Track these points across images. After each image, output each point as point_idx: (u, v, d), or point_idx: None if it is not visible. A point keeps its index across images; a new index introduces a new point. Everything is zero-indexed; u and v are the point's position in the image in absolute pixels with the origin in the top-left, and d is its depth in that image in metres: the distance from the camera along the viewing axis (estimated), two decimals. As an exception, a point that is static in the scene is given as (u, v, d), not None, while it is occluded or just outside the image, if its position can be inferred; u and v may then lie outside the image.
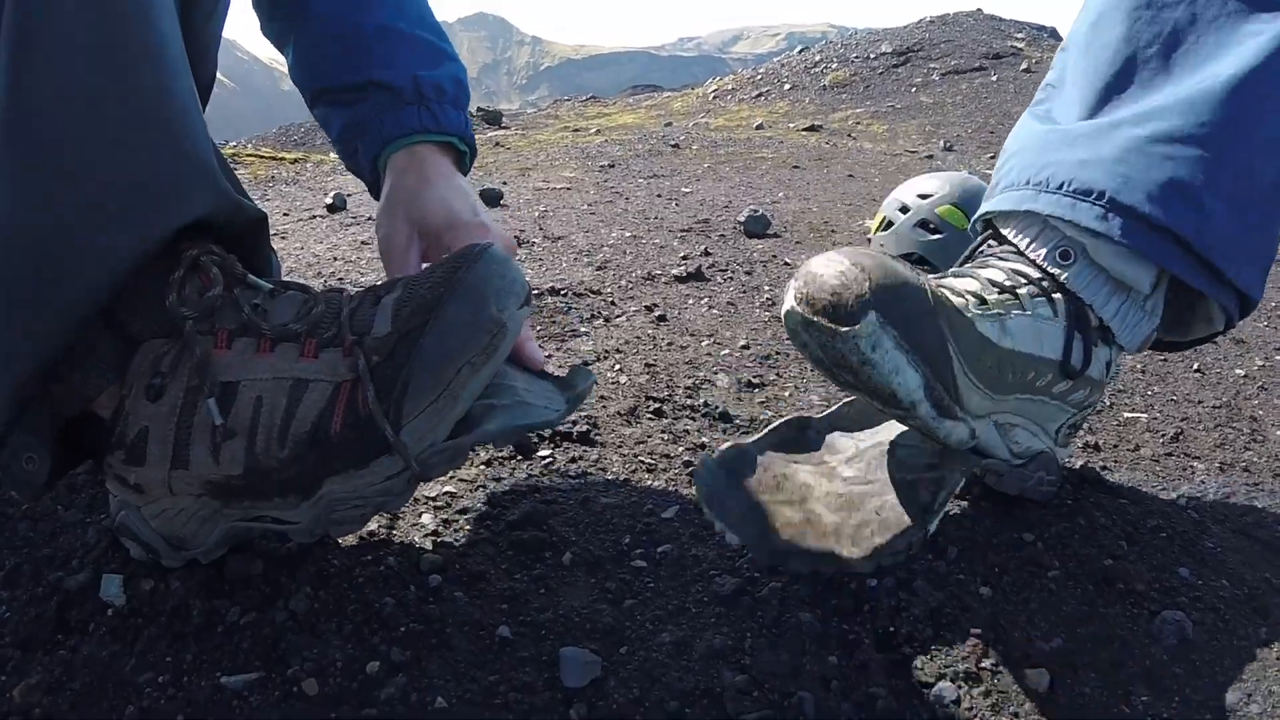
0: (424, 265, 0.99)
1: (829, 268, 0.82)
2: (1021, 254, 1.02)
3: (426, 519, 1.00)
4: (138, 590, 0.84)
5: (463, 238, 0.95)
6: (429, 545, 0.96)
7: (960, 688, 0.83)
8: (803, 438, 1.06)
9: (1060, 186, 0.98)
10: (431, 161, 1.03)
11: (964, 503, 1.15)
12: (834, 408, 1.10)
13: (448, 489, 1.06)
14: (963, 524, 1.10)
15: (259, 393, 0.76)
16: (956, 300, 0.90)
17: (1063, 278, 0.99)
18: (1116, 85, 1.02)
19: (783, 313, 0.87)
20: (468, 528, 1.00)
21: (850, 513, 0.95)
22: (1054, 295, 0.99)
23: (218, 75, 1.12)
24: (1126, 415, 1.53)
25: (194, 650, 0.79)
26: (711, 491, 0.94)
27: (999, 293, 0.96)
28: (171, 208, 0.75)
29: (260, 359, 0.77)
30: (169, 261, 0.77)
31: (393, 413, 0.74)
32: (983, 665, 0.87)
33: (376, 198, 1.06)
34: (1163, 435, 1.45)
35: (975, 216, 1.11)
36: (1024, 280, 0.99)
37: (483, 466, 1.13)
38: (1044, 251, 1.00)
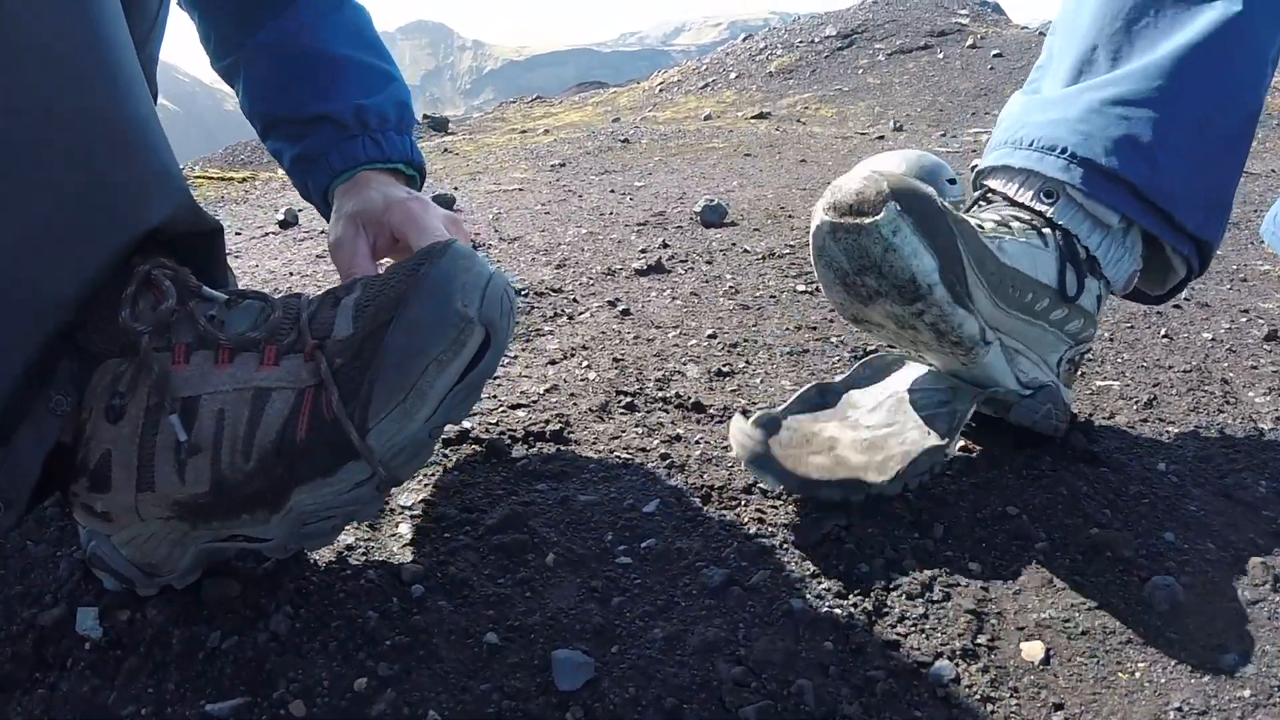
0: (378, 264, 0.99)
1: (851, 178, 0.92)
2: (1011, 200, 1.14)
3: (404, 529, 0.98)
4: (115, 621, 0.82)
5: (399, 211, 0.97)
6: (409, 555, 0.93)
7: (958, 665, 0.83)
8: (824, 400, 1.17)
9: (1032, 144, 1.11)
10: (373, 178, 1.05)
11: (947, 481, 1.14)
12: (849, 371, 1.20)
13: (423, 497, 1.04)
14: (946, 501, 1.09)
15: (221, 405, 0.73)
16: (961, 221, 0.98)
17: (1049, 213, 1.11)
18: (1089, 60, 1.14)
19: (810, 231, 0.97)
20: (447, 535, 0.97)
21: (875, 452, 1.06)
22: (1043, 230, 1.10)
23: (160, 100, 1.11)
24: (1099, 384, 1.53)
25: (176, 679, 0.76)
26: (750, 451, 1.03)
27: (995, 225, 1.07)
28: (134, 214, 0.73)
29: (220, 371, 0.74)
30: (121, 277, 0.75)
31: (358, 415, 0.72)
32: (978, 641, 0.86)
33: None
34: (1136, 402, 1.45)
35: (974, 171, 1.23)
36: (1015, 219, 1.10)
37: (457, 472, 1.10)
38: (1030, 194, 1.12)
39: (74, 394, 0.73)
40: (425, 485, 1.07)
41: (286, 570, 0.88)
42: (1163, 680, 0.84)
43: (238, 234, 2.80)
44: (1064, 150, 1.08)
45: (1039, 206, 1.11)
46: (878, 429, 1.10)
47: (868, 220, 0.89)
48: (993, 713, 0.79)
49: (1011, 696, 0.81)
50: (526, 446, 1.19)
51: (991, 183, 1.18)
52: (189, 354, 0.75)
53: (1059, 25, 1.23)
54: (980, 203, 1.19)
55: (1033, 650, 0.86)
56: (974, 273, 0.97)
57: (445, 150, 5.26)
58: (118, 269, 0.73)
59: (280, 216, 2.84)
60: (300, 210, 2.94)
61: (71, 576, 0.88)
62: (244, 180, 4.13)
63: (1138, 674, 0.84)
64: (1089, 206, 1.09)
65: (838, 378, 1.20)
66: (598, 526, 1.00)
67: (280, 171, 4.41)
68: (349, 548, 0.94)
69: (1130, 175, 1.06)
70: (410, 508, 1.02)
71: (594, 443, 1.20)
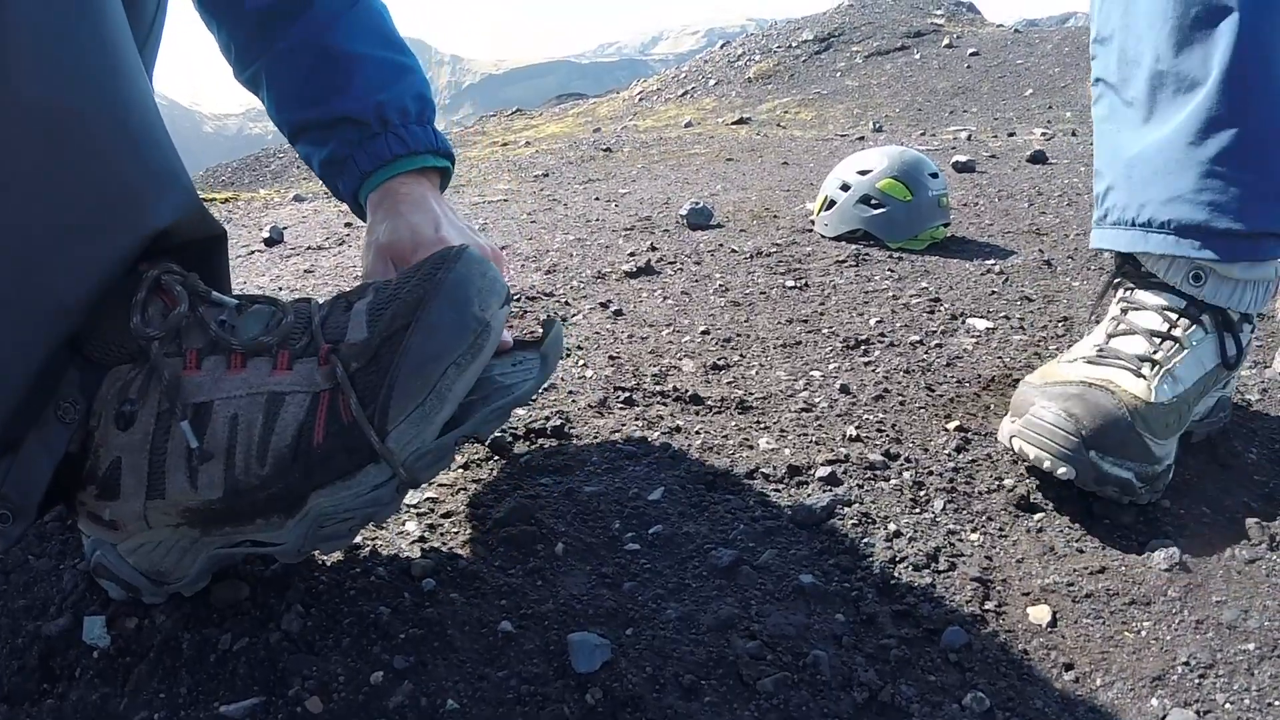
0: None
1: (1044, 416, 1.04)
2: (1163, 285, 1.15)
3: (411, 526, 0.98)
4: (122, 629, 0.81)
5: (425, 254, 0.95)
6: (418, 552, 0.94)
7: (968, 631, 0.84)
8: None
9: (1161, 226, 1.11)
10: (404, 192, 1.04)
11: (944, 459, 1.16)
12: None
13: (429, 495, 1.05)
14: (943, 477, 1.10)
15: (234, 411, 0.73)
16: (1137, 387, 1.05)
17: (1201, 296, 1.12)
18: (1159, 76, 1.11)
19: (1004, 444, 1.11)
20: (455, 530, 0.98)
21: None
22: (1202, 316, 1.13)
23: None
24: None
25: (188, 683, 0.76)
26: None
27: (1161, 341, 1.11)
28: (141, 216, 0.72)
29: (232, 376, 0.74)
30: (130, 283, 0.74)
31: (377, 419, 0.72)
32: (986, 607, 0.88)
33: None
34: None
35: (1093, 245, 1.23)
36: (1175, 314, 1.13)
37: (461, 470, 1.11)
38: (1179, 278, 1.13)
39: (82, 402, 0.73)
40: (430, 484, 1.08)
41: (295, 571, 0.88)
42: (1168, 637, 0.85)
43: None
44: (1197, 228, 1.08)
45: (1189, 290, 1.12)
46: None
47: (1062, 469, 1.02)
48: (1005, 674, 0.80)
49: (1022, 658, 0.82)
50: (528, 443, 1.19)
51: (1132, 268, 1.19)
52: (200, 359, 0.74)
53: (1106, 30, 1.19)
54: (1126, 284, 1.20)
55: (1039, 614, 0.87)
56: (1160, 445, 1.03)
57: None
58: (125, 273, 0.73)
59: (265, 234, 2.83)
60: (285, 228, 2.94)
61: (76, 587, 0.87)
62: (226, 201, 4.11)
63: (1143, 632, 0.86)
64: (1240, 275, 1.11)
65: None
66: (604, 516, 1.01)
67: (263, 191, 4.40)
68: (357, 547, 0.94)
69: (1269, 225, 1.07)
70: (416, 506, 1.02)
71: (595, 437, 1.21)
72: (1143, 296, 1.17)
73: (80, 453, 0.74)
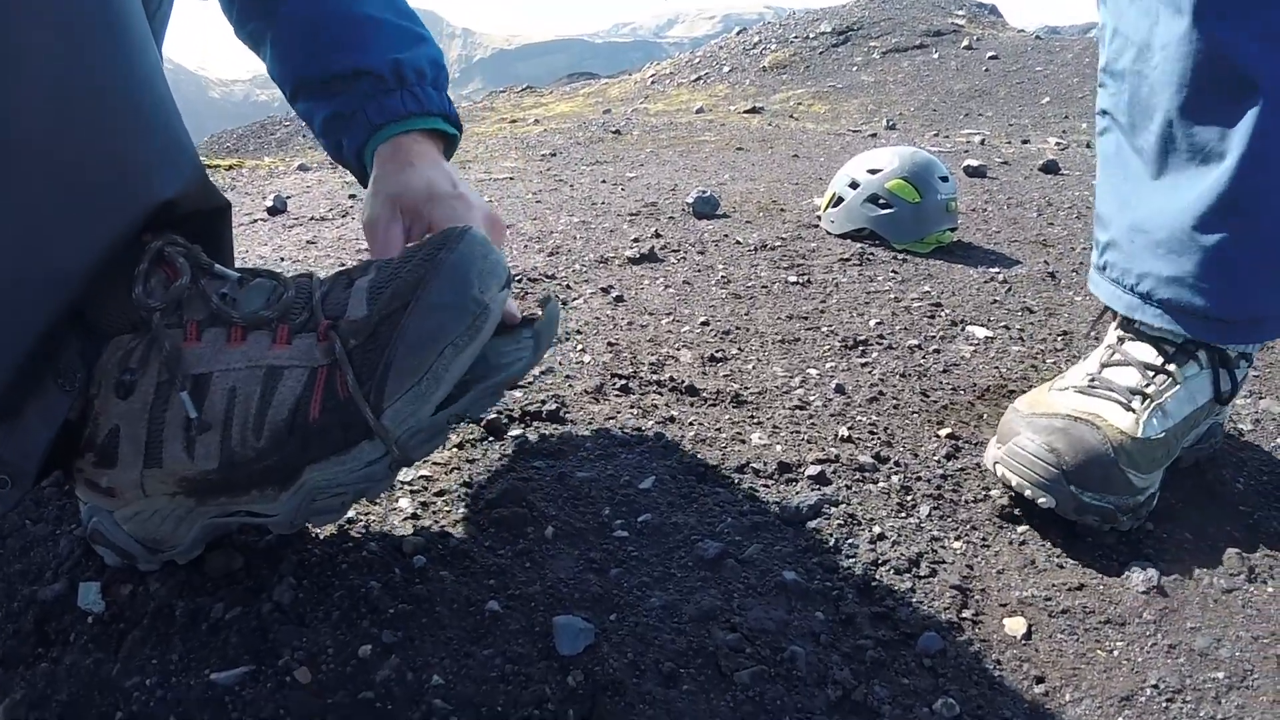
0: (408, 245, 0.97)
1: (1027, 447, 1.04)
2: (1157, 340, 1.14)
3: (404, 503, 1.00)
4: (117, 595, 0.82)
5: (442, 209, 0.95)
6: (409, 529, 0.95)
7: (944, 637, 0.85)
8: None
9: (1161, 304, 1.10)
10: (416, 149, 1.02)
11: (934, 465, 1.17)
12: None
13: (423, 473, 1.06)
14: (931, 483, 1.12)
15: (233, 383, 0.73)
16: (1125, 422, 1.05)
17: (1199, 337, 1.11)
18: (1170, 140, 1.07)
19: (988, 467, 1.11)
20: (447, 509, 1.00)
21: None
22: (1198, 353, 1.12)
23: None
24: (1081, 375, 1.56)
25: (180, 650, 0.77)
26: None
27: (1154, 375, 1.11)
28: (146, 186, 0.72)
29: (232, 349, 0.74)
30: (133, 253, 0.74)
31: (373, 396, 0.72)
32: (963, 615, 0.89)
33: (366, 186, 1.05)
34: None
35: (1091, 289, 1.23)
36: (1171, 349, 1.13)
37: (455, 450, 1.12)
38: (1173, 348, 1.13)
39: (83, 370, 0.73)
40: (424, 462, 1.09)
41: (288, 543, 0.89)
42: (1140, 659, 0.86)
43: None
44: (1197, 311, 1.08)
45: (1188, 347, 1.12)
46: None
47: (1042, 500, 1.02)
48: (976, 682, 0.81)
49: (995, 668, 0.83)
50: (523, 426, 1.21)
51: (1128, 330, 1.18)
52: (201, 331, 0.75)
53: (1118, 69, 1.14)
54: (1125, 334, 1.18)
55: (1015, 625, 0.89)
56: (1144, 477, 1.04)
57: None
58: (130, 244, 0.72)
59: (269, 203, 2.81)
60: (289, 197, 2.94)
61: (72, 553, 0.88)
62: (230, 168, 4.10)
63: (1115, 652, 0.87)
64: (1236, 350, 1.13)
65: None
66: (595, 502, 1.02)
67: (267, 159, 4.38)
68: (349, 522, 0.95)
69: (1271, 310, 1.08)
70: (410, 483, 1.04)
71: (590, 423, 1.23)
72: (1144, 328, 1.16)
73: (80, 420, 0.74)
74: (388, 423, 0.73)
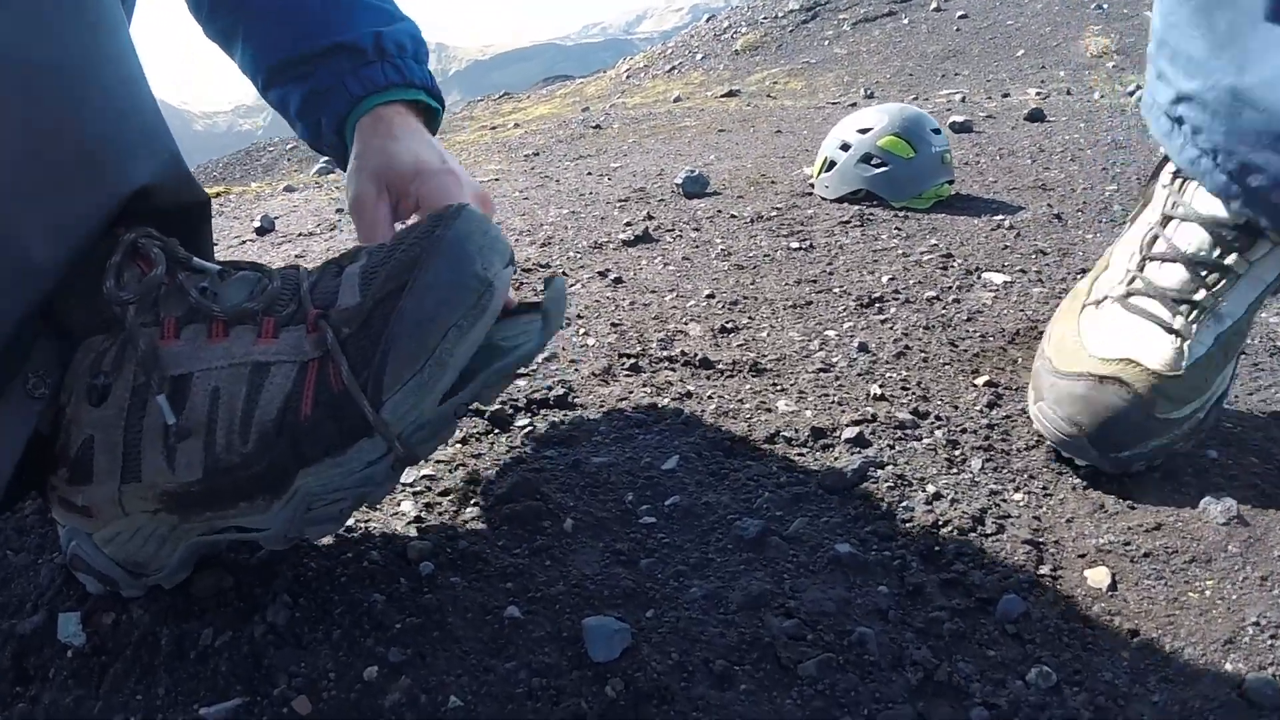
0: (396, 225, 0.92)
1: (1050, 417, 0.96)
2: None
3: (407, 506, 0.91)
4: (98, 625, 0.75)
5: (431, 185, 0.89)
6: (414, 533, 0.86)
7: (1025, 599, 0.76)
8: None
9: (1267, 207, 0.90)
10: (399, 120, 0.96)
11: (977, 415, 1.08)
12: None
13: (426, 472, 0.97)
14: (978, 434, 1.03)
15: (215, 383, 0.67)
16: (1162, 358, 0.93)
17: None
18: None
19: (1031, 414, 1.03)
20: (454, 509, 0.90)
21: None
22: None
23: None
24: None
25: (166, 683, 0.69)
26: None
27: (1206, 274, 0.96)
28: (120, 172, 0.67)
29: (213, 345, 0.68)
30: (105, 247, 0.68)
31: (371, 387, 0.66)
32: (1041, 572, 0.80)
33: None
34: (1154, 326, 1.41)
35: (1166, 152, 1.01)
36: (1231, 233, 0.95)
37: (459, 445, 1.03)
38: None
39: (54, 375, 0.67)
40: (426, 461, 0.99)
41: (282, 558, 0.81)
42: (1235, 596, 0.78)
43: (214, 246, 2.72)
44: None
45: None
46: None
47: (1081, 461, 0.95)
48: (1068, 644, 0.72)
49: (1085, 626, 0.74)
50: (530, 415, 1.11)
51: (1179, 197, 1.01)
52: (179, 328, 0.68)
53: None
54: (1177, 205, 1.00)
55: (1098, 576, 0.80)
56: (1193, 402, 0.94)
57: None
58: (102, 234, 0.67)
59: (256, 224, 2.77)
60: (276, 217, 2.87)
61: (53, 583, 0.80)
62: (217, 195, 4.05)
63: (1208, 592, 0.79)
64: None
65: None
66: (616, 488, 0.93)
67: (254, 184, 4.32)
68: (347, 530, 0.86)
69: None
70: (412, 484, 0.95)
71: (601, 406, 1.13)
72: (1199, 197, 0.97)
73: (52, 433, 0.68)
74: (388, 416, 0.66)
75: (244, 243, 2.60)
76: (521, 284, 1.75)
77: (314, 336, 0.67)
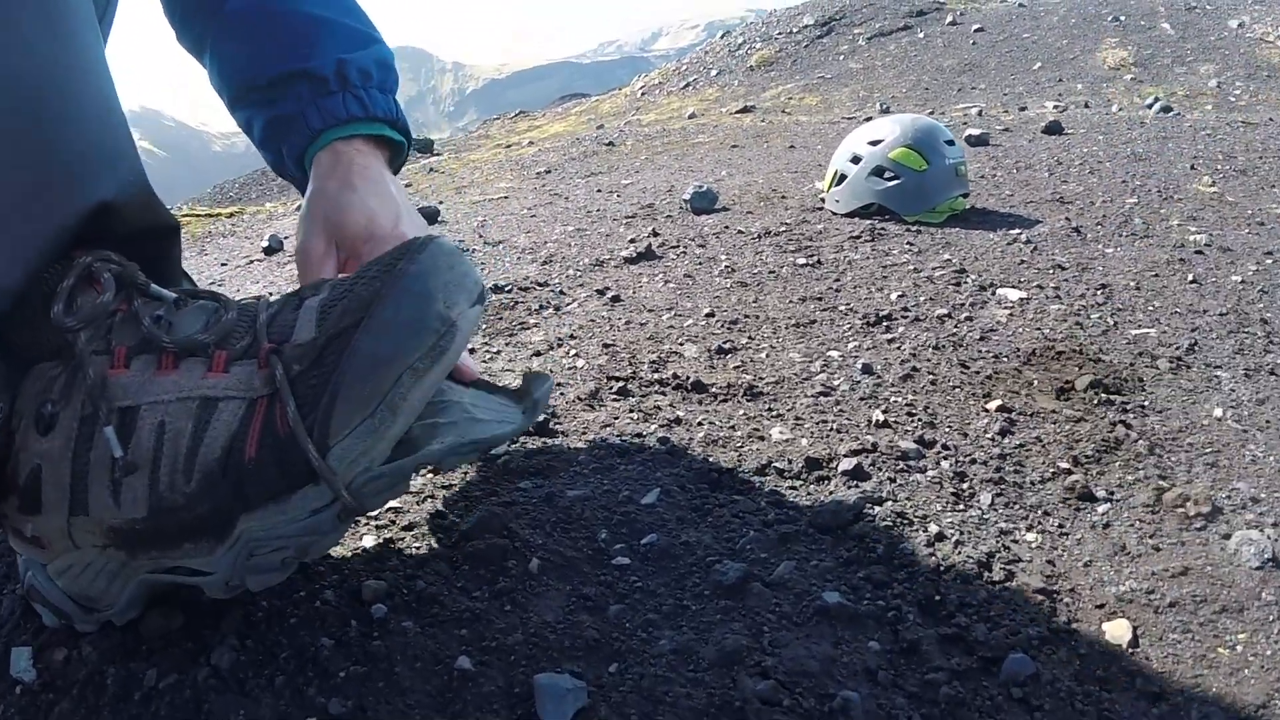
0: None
1: None
2: None
3: (368, 541, 0.84)
4: (50, 661, 0.71)
5: (382, 251, 0.83)
6: (372, 570, 0.80)
7: (1034, 657, 0.68)
8: None
9: None
10: (358, 162, 0.92)
11: (988, 443, 1.01)
12: None
13: (391, 504, 0.90)
14: (988, 465, 0.96)
15: (161, 417, 0.63)
16: None
17: None
18: None
19: None
20: (416, 546, 0.84)
21: None
22: None
23: (147, 145, 0.98)
24: (1134, 332, 1.41)
25: (109, 724, 0.64)
26: None
27: None
28: (79, 188, 0.64)
29: (162, 377, 0.64)
30: (60, 269, 0.66)
31: (318, 431, 0.61)
32: (1054, 625, 0.73)
33: None
34: (1177, 347, 1.34)
35: None
36: None
37: (429, 475, 0.97)
38: None
39: (5, 400, 0.66)
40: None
41: (236, 598, 0.75)
42: (1269, 652, 0.71)
43: (223, 265, 2.71)
44: None
45: None
46: None
47: None
48: (1082, 711, 0.65)
49: (1102, 688, 0.67)
50: (509, 442, 1.04)
51: None
52: (130, 358, 0.65)
53: None
54: None
55: (1118, 630, 0.73)
56: None
57: (431, 170, 5.18)
58: (60, 254, 0.65)
59: (264, 244, 2.75)
60: (285, 238, 2.85)
61: (13, 614, 0.76)
62: (230, 215, 4.07)
63: (1239, 647, 0.72)
64: None
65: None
66: (589, 524, 0.86)
67: (267, 204, 4.31)
68: (305, 565, 0.80)
69: None
70: (375, 518, 0.88)
71: (584, 433, 1.07)
72: None
73: (3, 459, 0.66)
74: (335, 463, 0.62)
75: (251, 262, 2.60)
76: (516, 304, 1.69)
77: (264, 373, 0.64)
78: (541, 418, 1.10)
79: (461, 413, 0.71)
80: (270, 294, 2.08)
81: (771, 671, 0.66)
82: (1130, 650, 0.71)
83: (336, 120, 0.93)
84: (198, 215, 4.24)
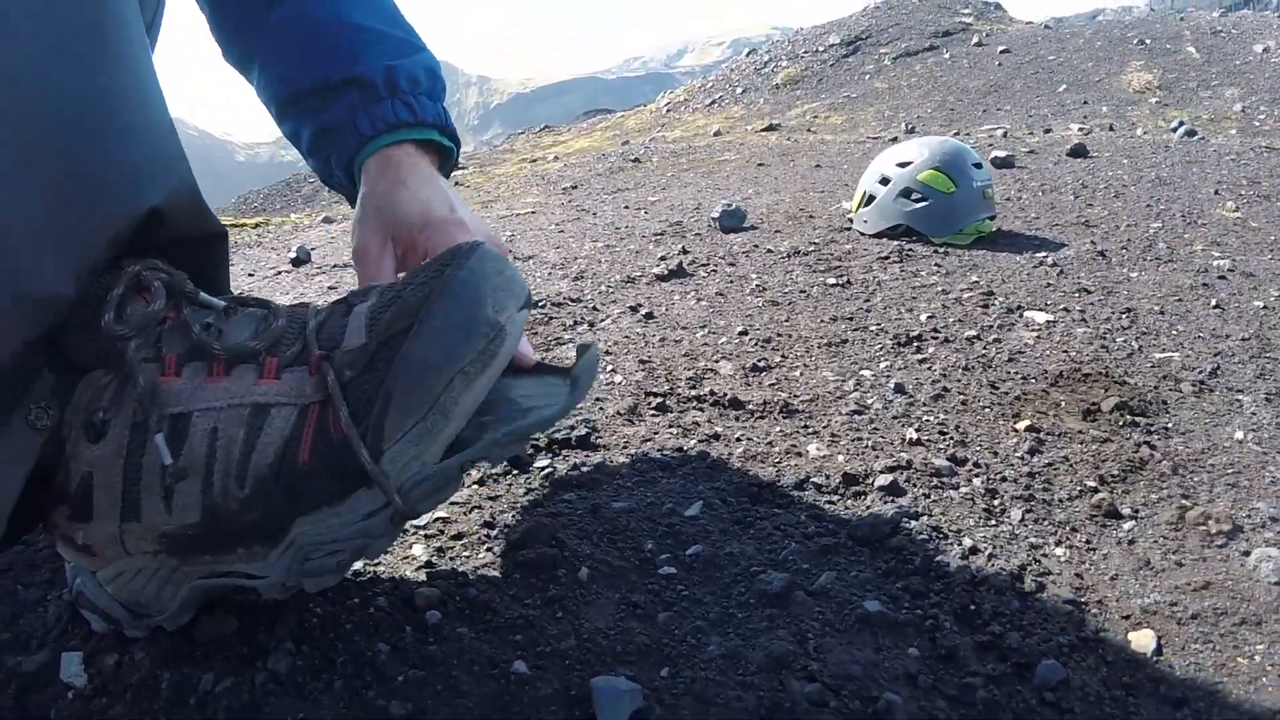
0: (400, 274, 0.88)
1: None
2: None
3: (418, 550, 0.88)
4: (101, 666, 0.72)
5: (439, 237, 0.85)
6: (423, 578, 0.83)
7: (1065, 664, 0.71)
8: None
9: None
10: (408, 163, 0.93)
11: (1017, 462, 1.03)
12: None
13: (439, 515, 0.94)
14: (1018, 483, 0.98)
15: (214, 424, 0.64)
16: None
17: None
18: None
19: None
20: (466, 554, 0.87)
21: None
22: None
23: None
24: (1159, 355, 1.43)
25: (165, 729, 0.66)
26: None
27: None
28: (130, 195, 0.65)
29: (213, 384, 0.65)
30: (110, 278, 0.66)
31: (371, 435, 0.62)
32: (1083, 634, 0.75)
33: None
34: (1200, 371, 1.36)
35: None
36: None
37: (475, 486, 1.00)
38: None
39: (56, 408, 0.65)
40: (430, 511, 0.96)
41: (288, 603, 0.77)
42: (1286, 664, 0.74)
43: (250, 275, 2.73)
44: None
45: None
46: None
47: None
48: (1110, 713, 0.67)
49: (1129, 694, 0.70)
50: (551, 455, 1.08)
51: None
52: (180, 366, 0.66)
53: None
54: None
55: (1143, 640, 0.76)
56: None
57: (456, 184, 5.20)
58: (111, 262, 0.65)
59: (292, 255, 2.77)
60: (313, 249, 2.88)
61: (59, 620, 0.78)
62: (257, 226, 4.08)
63: (1258, 657, 0.75)
64: None
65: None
66: (635, 535, 0.89)
67: (294, 215, 4.35)
68: (355, 574, 0.83)
69: None
70: (424, 527, 0.92)
71: (624, 447, 1.10)
72: None
73: (54, 467, 0.66)
74: (388, 466, 0.63)
75: (279, 273, 2.60)
76: (550, 319, 1.72)
77: (316, 379, 0.65)
78: (575, 421, 1.14)
79: (508, 405, 0.71)
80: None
81: (817, 675, 0.70)
82: (1155, 659, 0.73)
83: (387, 126, 0.93)
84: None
